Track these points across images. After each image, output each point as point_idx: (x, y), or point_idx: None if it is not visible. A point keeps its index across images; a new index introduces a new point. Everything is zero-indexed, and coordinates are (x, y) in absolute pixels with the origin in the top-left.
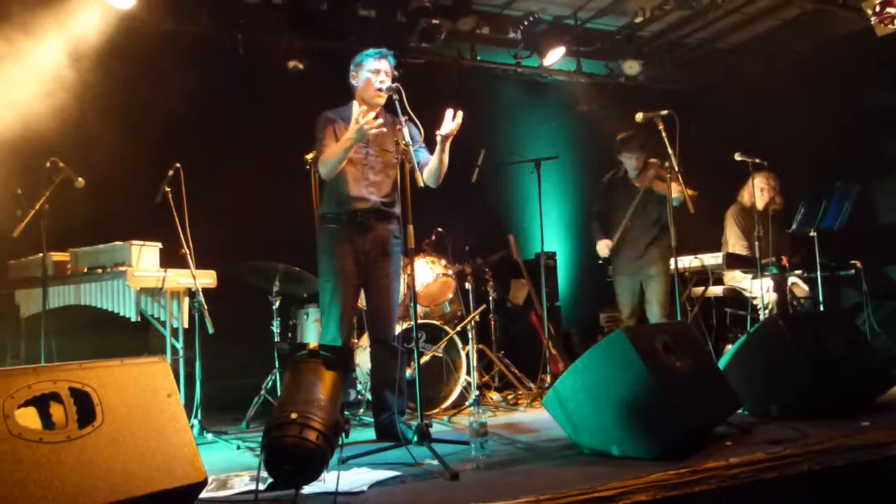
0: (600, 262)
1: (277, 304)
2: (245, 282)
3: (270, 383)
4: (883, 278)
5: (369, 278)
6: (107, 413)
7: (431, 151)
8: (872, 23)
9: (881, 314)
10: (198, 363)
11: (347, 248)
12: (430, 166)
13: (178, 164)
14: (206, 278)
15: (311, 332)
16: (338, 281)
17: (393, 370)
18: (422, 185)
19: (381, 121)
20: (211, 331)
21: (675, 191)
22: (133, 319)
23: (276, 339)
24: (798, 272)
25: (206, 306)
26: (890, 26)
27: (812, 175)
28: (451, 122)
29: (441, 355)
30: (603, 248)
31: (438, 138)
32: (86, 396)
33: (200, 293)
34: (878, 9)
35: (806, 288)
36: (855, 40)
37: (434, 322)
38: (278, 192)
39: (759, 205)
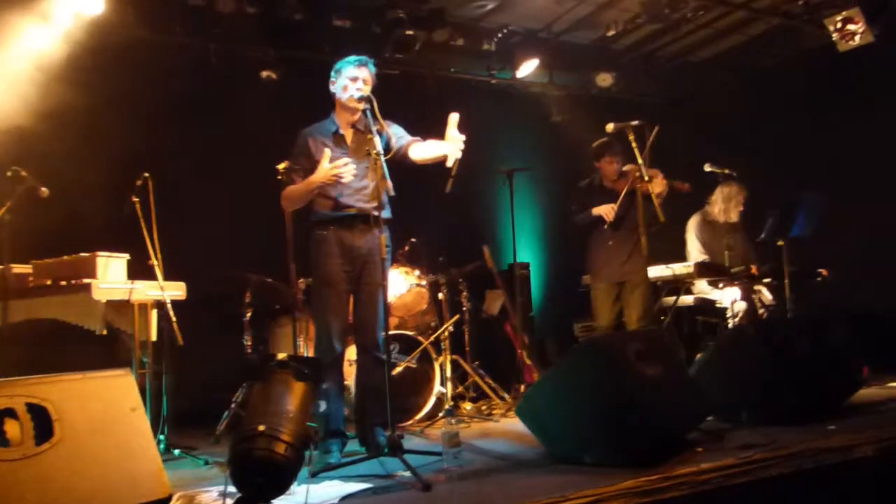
0: (606, 226)
1: (249, 316)
2: (216, 293)
3: (241, 397)
4: (848, 286)
5: (358, 285)
6: (66, 428)
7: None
8: (834, 39)
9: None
10: (164, 377)
11: (336, 253)
12: (423, 151)
13: (146, 174)
14: (176, 290)
15: (284, 344)
16: (329, 289)
17: (374, 379)
18: (392, 194)
19: (353, 168)
20: (179, 343)
21: (659, 185)
22: (98, 333)
23: (248, 351)
24: (767, 280)
25: (174, 318)
26: (851, 42)
27: (780, 186)
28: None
29: (415, 366)
30: (609, 210)
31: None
32: (43, 412)
33: (169, 305)
34: (839, 25)
35: (770, 296)
36: (820, 55)
37: (408, 333)
38: (250, 203)
39: (734, 216)
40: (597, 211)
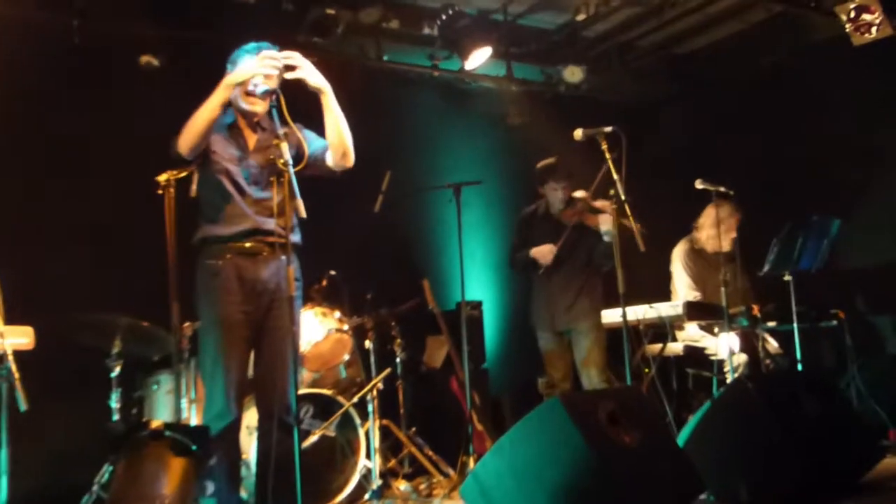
0: (541, 271)
1: (118, 370)
2: (75, 341)
3: (105, 476)
4: (869, 330)
5: (261, 331)
6: None
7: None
8: (848, 30)
9: (867, 374)
10: (3, 452)
11: (233, 289)
12: (329, 145)
13: None
14: (20, 337)
15: (163, 406)
16: (221, 334)
17: (280, 452)
18: (304, 216)
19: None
20: (23, 408)
21: (605, 223)
22: None
23: (116, 416)
24: (772, 324)
25: (17, 374)
26: (867, 35)
27: (779, 207)
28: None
29: (333, 434)
30: (547, 252)
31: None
32: None
33: (11, 357)
34: (853, 15)
35: (776, 344)
36: (829, 49)
37: (324, 392)
38: (122, 223)
39: (725, 244)
40: (534, 253)
